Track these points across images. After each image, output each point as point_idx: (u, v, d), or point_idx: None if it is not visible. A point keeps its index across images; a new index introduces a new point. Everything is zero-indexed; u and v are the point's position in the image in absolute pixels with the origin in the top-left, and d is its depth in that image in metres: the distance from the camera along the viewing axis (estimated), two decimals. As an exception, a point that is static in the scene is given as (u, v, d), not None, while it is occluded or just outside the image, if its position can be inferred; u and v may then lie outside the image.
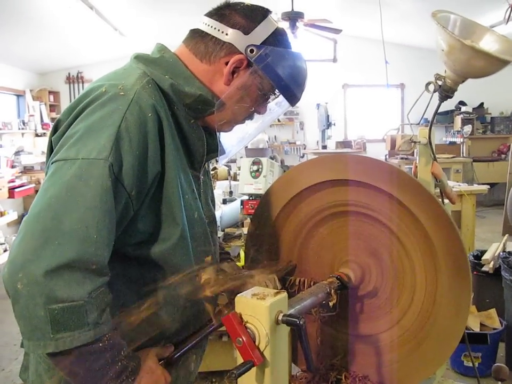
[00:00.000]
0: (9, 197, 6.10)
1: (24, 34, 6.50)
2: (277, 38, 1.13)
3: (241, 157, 3.81)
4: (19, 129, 7.53)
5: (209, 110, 1.12)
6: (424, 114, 1.33)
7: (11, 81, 7.87)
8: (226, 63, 1.11)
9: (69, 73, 9.30)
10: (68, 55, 8.24)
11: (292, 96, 1.17)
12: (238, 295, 0.95)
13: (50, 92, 9.01)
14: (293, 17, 5.66)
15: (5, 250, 6.01)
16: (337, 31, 6.08)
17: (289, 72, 1.13)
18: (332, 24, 5.99)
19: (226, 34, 1.10)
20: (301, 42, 5.76)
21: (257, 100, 1.17)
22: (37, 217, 0.89)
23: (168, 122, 1.05)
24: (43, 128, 8.11)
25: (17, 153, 7.14)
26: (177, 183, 1.06)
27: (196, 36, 1.14)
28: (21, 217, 7.18)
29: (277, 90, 1.16)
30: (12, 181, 6.34)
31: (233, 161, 4.97)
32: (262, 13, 1.14)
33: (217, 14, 1.13)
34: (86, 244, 0.88)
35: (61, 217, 0.88)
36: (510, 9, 3.70)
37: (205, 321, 1.19)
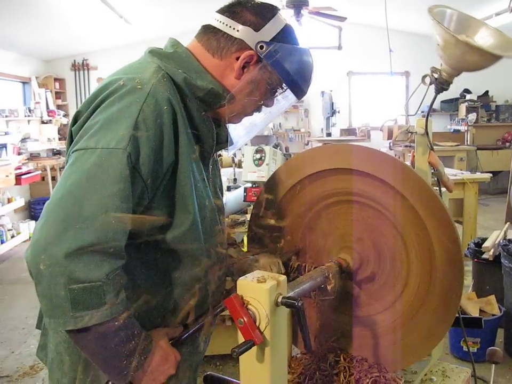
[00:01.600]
0: (16, 184, 6.14)
1: (29, 22, 6.50)
2: (285, 35, 1.18)
3: (246, 144, 3.81)
4: (25, 116, 7.53)
5: (220, 103, 1.17)
6: (420, 106, 1.37)
7: (17, 68, 7.88)
8: (237, 58, 1.15)
9: (75, 61, 9.29)
10: (73, 42, 8.22)
11: (299, 91, 1.22)
12: (240, 278, 0.99)
13: (56, 79, 9.00)
14: (298, 4, 5.65)
15: (13, 236, 6.06)
16: (342, 18, 6.07)
17: (297, 67, 1.18)
18: (336, 12, 5.99)
19: (238, 30, 1.14)
20: (305, 29, 5.75)
21: (266, 94, 1.22)
22: (58, 202, 0.94)
23: (182, 115, 1.09)
24: (49, 115, 8.11)
25: (23, 140, 7.15)
26: (190, 173, 1.11)
27: (208, 31, 1.18)
28: (27, 203, 7.23)
29: (284, 84, 1.20)
30: (19, 168, 6.37)
31: (238, 148, 4.96)
32: (271, 11, 1.18)
33: (229, 11, 1.17)
34: (104, 228, 0.93)
35: (81, 203, 0.93)
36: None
37: (213, 304, 1.25)
